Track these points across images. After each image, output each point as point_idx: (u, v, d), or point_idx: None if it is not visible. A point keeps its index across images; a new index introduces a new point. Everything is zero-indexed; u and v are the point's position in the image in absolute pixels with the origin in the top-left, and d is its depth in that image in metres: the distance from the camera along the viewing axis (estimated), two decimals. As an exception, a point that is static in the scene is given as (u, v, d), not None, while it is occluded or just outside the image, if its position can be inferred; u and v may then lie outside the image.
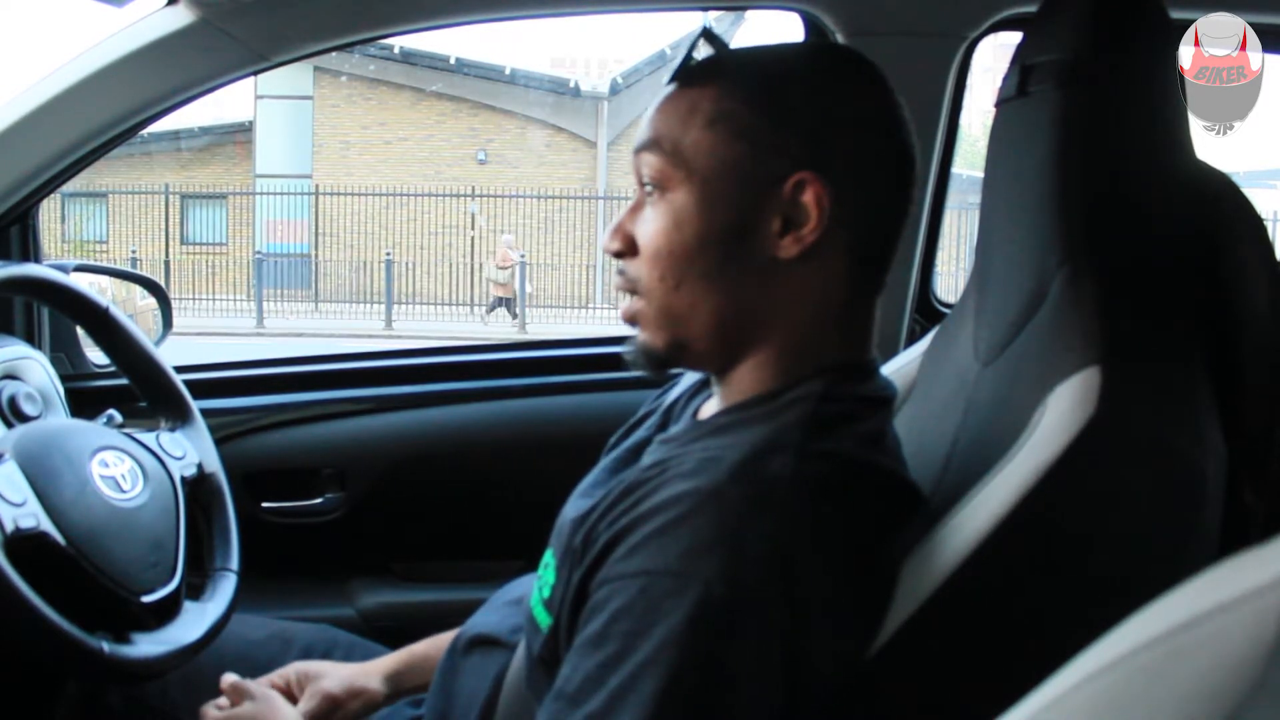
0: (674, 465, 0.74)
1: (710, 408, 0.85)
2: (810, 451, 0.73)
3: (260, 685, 1.05)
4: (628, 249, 0.81)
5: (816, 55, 0.89)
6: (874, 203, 0.79)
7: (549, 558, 0.83)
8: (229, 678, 1.04)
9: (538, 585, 0.83)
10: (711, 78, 0.80)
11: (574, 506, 0.86)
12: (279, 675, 1.10)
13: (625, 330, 0.84)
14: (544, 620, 0.79)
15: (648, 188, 0.80)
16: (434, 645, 1.14)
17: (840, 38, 1.45)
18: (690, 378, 0.95)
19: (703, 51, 0.83)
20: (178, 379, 1.30)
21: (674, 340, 0.80)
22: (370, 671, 1.12)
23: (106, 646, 1.03)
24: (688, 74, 0.81)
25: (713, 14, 1.92)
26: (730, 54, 0.84)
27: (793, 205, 0.76)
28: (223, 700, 1.04)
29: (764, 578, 0.67)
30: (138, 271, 1.85)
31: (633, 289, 0.81)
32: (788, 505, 0.70)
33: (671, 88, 0.81)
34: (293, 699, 1.08)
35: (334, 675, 1.10)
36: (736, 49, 0.85)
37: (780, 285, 0.78)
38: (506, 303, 12.46)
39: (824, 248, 0.77)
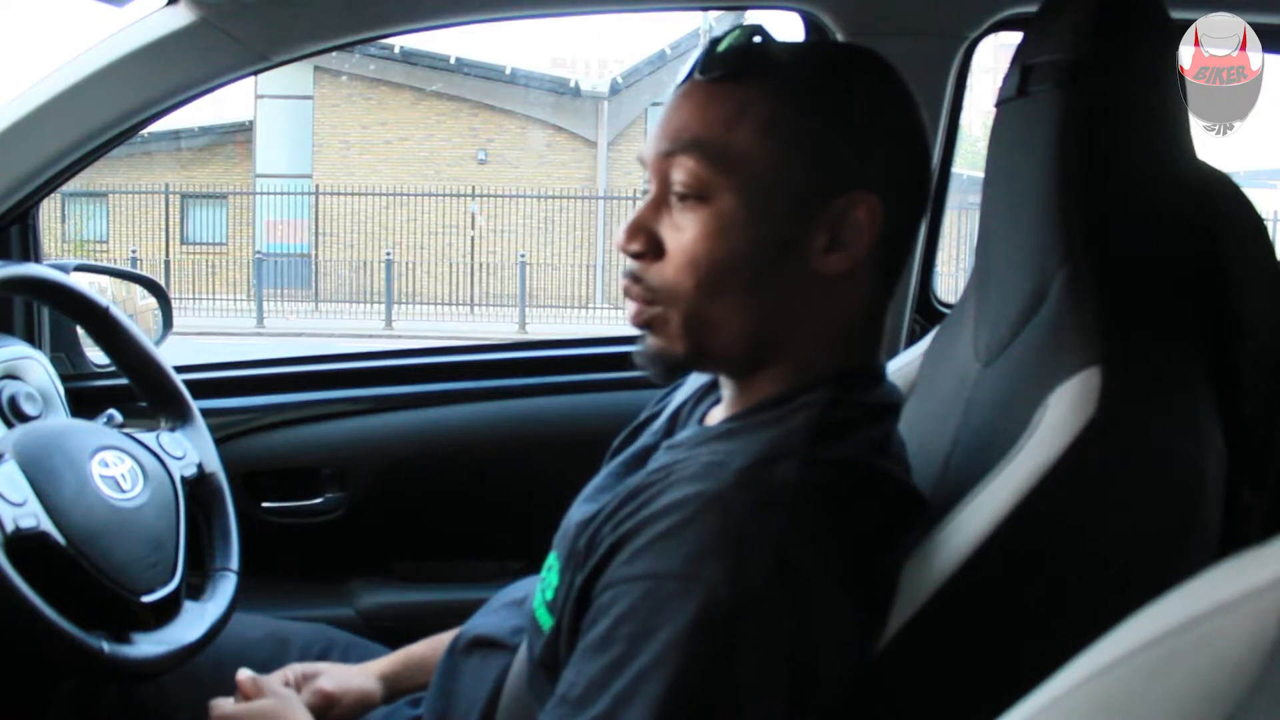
0: (679, 470, 0.74)
1: (717, 413, 0.85)
2: (815, 458, 0.72)
3: (278, 683, 1.05)
4: (650, 251, 0.77)
5: (858, 62, 0.82)
6: (905, 214, 0.78)
7: (553, 560, 0.83)
8: (245, 672, 1.03)
9: (540, 587, 0.83)
10: (759, 77, 0.75)
11: (579, 510, 0.86)
12: (279, 676, 1.10)
13: (625, 330, 0.83)
14: (546, 622, 0.79)
15: (681, 190, 0.75)
16: (432, 647, 1.14)
17: (840, 38, 1.45)
18: (696, 381, 0.94)
19: (724, 44, 0.76)
20: (178, 379, 1.30)
21: (697, 348, 0.77)
22: (368, 671, 1.12)
23: (106, 646, 1.03)
24: (730, 70, 0.75)
25: (713, 14, 1.92)
26: (779, 50, 0.77)
27: (841, 221, 0.74)
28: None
29: (768, 582, 0.67)
30: (138, 271, 1.85)
31: (651, 296, 0.77)
32: (792, 510, 0.70)
33: (707, 83, 0.76)
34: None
35: (331, 674, 1.10)
36: (785, 44, 0.78)
37: (817, 299, 0.76)
38: None
39: (864, 263, 0.76)
